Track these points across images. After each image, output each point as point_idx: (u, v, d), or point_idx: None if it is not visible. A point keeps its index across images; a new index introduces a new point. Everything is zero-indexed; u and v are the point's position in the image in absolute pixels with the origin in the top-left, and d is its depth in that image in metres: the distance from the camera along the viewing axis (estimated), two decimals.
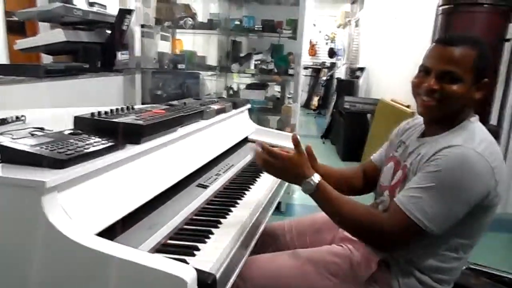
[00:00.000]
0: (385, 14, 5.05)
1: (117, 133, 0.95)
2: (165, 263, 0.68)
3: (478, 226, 1.03)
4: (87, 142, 0.88)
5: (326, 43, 9.67)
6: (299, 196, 3.28)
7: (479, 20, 2.52)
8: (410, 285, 1.06)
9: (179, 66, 2.99)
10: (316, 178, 1.03)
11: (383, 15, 5.22)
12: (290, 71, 2.90)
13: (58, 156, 0.77)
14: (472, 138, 0.98)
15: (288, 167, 1.05)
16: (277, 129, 2.78)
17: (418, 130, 1.16)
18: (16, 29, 5.32)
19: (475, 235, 1.04)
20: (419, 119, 1.17)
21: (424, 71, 1.04)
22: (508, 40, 2.63)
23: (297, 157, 1.06)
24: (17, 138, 0.83)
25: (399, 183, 1.09)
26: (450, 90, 0.99)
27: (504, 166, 1.00)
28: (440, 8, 2.72)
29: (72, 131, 0.94)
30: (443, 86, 1.00)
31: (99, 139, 0.91)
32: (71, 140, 0.87)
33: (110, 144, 0.90)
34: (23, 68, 2.08)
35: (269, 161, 1.06)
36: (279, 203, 2.29)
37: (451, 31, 2.62)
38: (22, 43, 2.47)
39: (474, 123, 1.05)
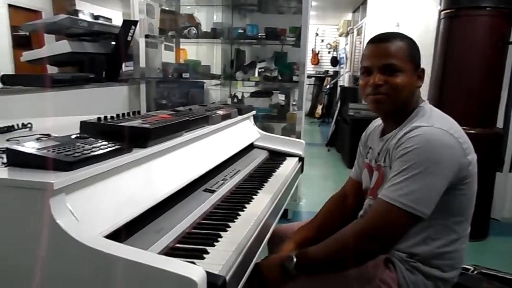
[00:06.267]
0: (388, 21, 5.06)
1: (124, 136, 0.95)
2: (174, 264, 0.67)
3: (465, 199, 1.04)
4: (94, 145, 0.87)
5: (329, 52, 9.71)
6: (305, 203, 3.26)
7: (482, 23, 2.51)
8: (418, 283, 1.04)
9: (184, 75, 3.00)
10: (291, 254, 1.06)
11: (385, 22, 5.24)
12: (295, 78, 2.91)
13: (65, 158, 0.76)
14: (429, 118, 1.03)
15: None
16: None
17: (378, 131, 1.21)
18: (21, 43, 5.40)
19: (465, 209, 1.06)
20: (376, 122, 1.25)
21: (366, 71, 1.09)
22: (511, 42, 2.62)
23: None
24: (24, 142, 0.83)
25: (379, 184, 1.10)
26: (394, 82, 1.04)
27: (466, 137, 1.03)
28: (442, 12, 2.72)
29: (78, 135, 0.94)
30: (387, 79, 1.05)
31: (106, 143, 0.90)
32: (78, 144, 0.87)
33: (117, 147, 0.89)
34: (30, 78, 2.10)
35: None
36: (285, 210, 2.28)
37: (454, 35, 2.61)
38: (28, 55, 2.50)
39: (425, 107, 1.09)
